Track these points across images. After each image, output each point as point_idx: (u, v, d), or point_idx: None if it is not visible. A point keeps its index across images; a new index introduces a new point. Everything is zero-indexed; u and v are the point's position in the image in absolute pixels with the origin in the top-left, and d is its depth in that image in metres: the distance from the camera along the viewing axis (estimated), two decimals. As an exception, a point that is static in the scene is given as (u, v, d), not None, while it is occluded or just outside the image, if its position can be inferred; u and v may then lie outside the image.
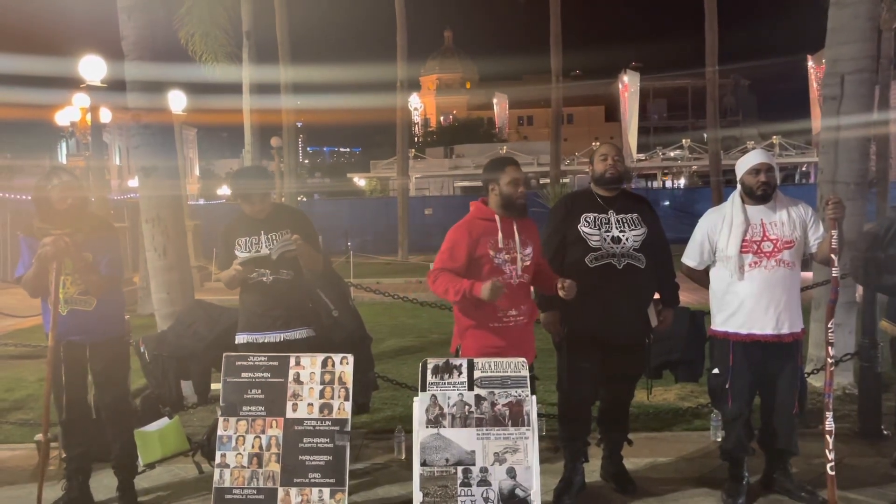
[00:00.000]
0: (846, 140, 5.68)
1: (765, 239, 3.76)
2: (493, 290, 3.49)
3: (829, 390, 3.69)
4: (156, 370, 4.68)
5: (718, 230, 3.84)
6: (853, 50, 5.63)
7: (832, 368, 3.72)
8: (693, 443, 4.83)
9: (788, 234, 3.77)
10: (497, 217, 3.72)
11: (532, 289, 3.88)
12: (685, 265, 4.02)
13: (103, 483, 4.18)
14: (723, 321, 3.85)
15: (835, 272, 3.70)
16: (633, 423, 4.30)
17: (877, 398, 4.86)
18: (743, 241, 3.76)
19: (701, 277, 4.02)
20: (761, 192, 3.78)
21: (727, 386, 3.80)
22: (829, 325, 3.73)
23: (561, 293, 3.60)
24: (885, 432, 4.79)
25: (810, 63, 27.78)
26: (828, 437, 3.63)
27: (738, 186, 3.90)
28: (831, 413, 3.65)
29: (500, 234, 3.68)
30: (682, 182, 48.74)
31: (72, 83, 15.98)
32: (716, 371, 3.88)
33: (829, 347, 3.73)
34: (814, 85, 27.47)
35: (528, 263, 3.72)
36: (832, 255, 3.67)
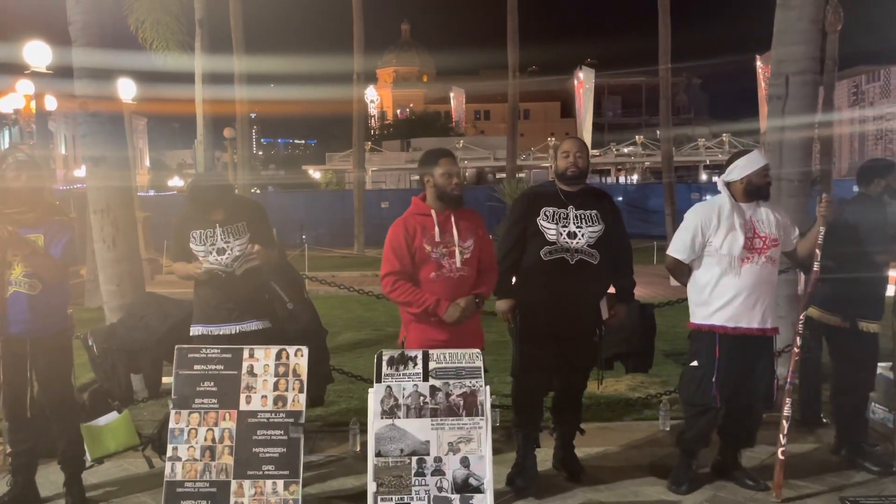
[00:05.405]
0: (790, 138, 5.85)
1: (756, 236, 3.83)
2: (455, 313, 3.60)
3: (791, 377, 3.86)
4: (105, 364, 4.59)
5: (713, 227, 3.83)
6: (797, 51, 5.79)
7: (797, 358, 3.88)
8: (643, 432, 4.96)
9: (775, 232, 3.86)
10: (433, 211, 3.72)
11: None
12: (672, 258, 3.95)
13: (49, 478, 4.09)
14: (709, 315, 3.86)
15: (816, 266, 3.85)
16: (585, 412, 4.38)
17: (817, 387, 5.04)
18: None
19: (685, 271, 3.97)
20: (767, 193, 3.89)
21: (714, 378, 3.79)
22: (801, 317, 3.89)
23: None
24: (823, 420, 4.98)
25: (759, 63, 28.38)
26: (784, 422, 3.78)
27: (727, 186, 3.88)
28: (790, 399, 3.81)
29: (436, 229, 3.68)
30: (634, 178, 49.51)
31: (15, 69, 15.45)
32: (695, 363, 3.89)
33: (798, 338, 3.89)
34: (762, 84, 28.12)
35: (468, 256, 3.72)
36: (817, 250, 3.82)
